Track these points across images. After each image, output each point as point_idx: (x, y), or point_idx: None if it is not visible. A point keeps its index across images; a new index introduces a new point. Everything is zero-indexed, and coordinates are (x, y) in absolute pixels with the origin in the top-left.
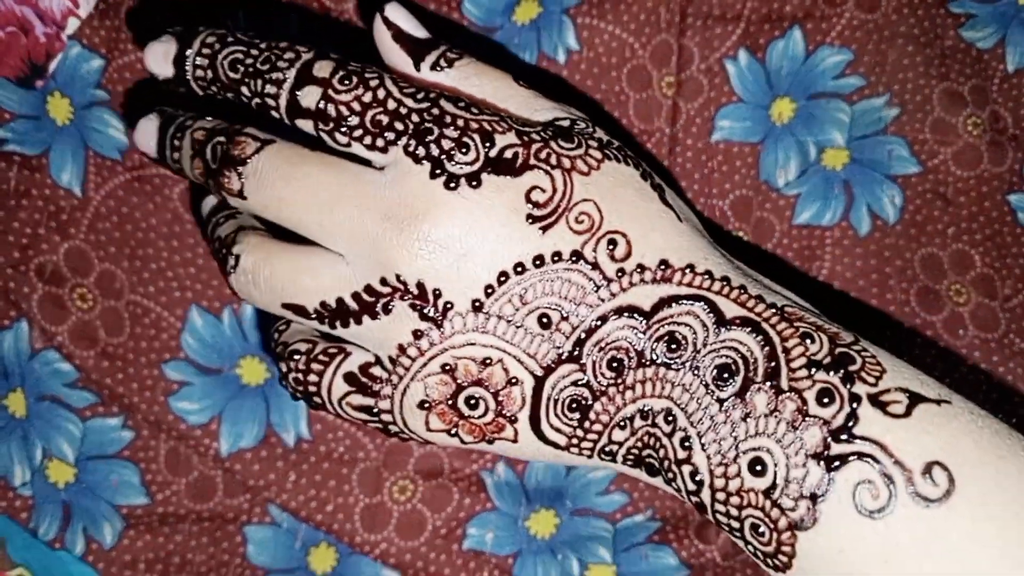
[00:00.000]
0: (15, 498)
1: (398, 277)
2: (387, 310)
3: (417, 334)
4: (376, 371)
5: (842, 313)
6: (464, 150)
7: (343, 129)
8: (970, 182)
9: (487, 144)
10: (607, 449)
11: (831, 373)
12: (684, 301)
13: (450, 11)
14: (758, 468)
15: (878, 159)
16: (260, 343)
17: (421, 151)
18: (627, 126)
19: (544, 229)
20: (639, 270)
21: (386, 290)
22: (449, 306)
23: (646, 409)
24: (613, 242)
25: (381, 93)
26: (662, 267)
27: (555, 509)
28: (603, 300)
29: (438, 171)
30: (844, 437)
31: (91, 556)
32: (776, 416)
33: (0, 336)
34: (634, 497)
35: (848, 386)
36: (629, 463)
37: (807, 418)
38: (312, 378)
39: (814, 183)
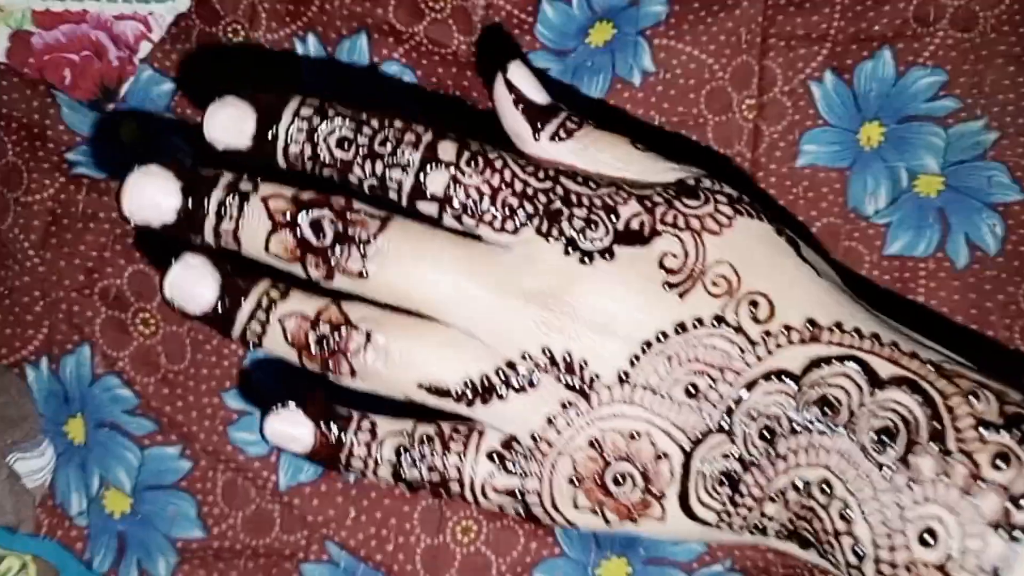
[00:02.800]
0: (71, 528)
1: (544, 351)
2: (533, 384)
3: (565, 405)
4: (518, 448)
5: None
6: (594, 227)
7: (471, 212)
8: None
9: (612, 217)
10: (759, 524)
11: (1004, 433)
12: (835, 362)
13: (522, 33)
14: (928, 538)
15: (976, 186)
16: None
17: (554, 231)
18: (706, 150)
19: (682, 295)
20: (785, 331)
21: (530, 364)
22: (596, 377)
23: (801, 480)
24: (755, 303)
25: (507, 174)
26: (809, 326)
27: (627, 557)
28: (750, 365)
29: (571, 249)
30: None
31: None
32: (945, 481)
33: (63, 361)
34: (711, 546)
35: None
36: (782, 537)
37: (982, 483)
38: (452, 460)
39: (906, 211)
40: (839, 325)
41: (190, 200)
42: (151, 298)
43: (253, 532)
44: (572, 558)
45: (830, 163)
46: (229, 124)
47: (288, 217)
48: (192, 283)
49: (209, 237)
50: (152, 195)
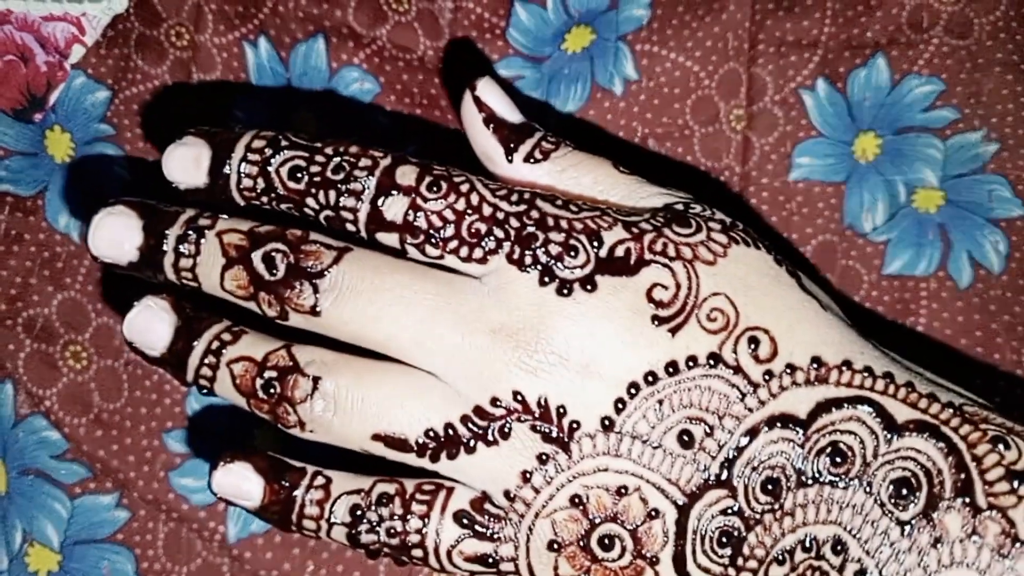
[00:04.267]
0: None
1: (516, 395)
2: (504, 434)
3: (542, 459)
4: (491, 508)
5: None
6: (573, 253)
7: (435, 241)
8: None
9: (595, 242)
10: None
11: None
12: (846, 405)
13: (494, 38)
14: None
15: (977, 200)
16: None
17: (527, 258)
18: (692, 163)
19: (673, 331)
20: (789, 371)
21: (500, 411)
22: (576, 426)
23: (810, 538)
24: (755, 340)
25: (474, 198)
26: (815, 366)
27: None
28: (751, 410)
29: (547, 278)
30: None
31: None
32: (976, 541)
33: None
34: None
35: None
36: None
37: (1018, 544)
38: (413, 524)
39: (905, 228)
40: (848, 364)
41: (151, 238)
42: (83, 329)
43: None
44: None
45: (825, 177)
46: (185, 164)
47: (242, 252)
48: (148, 325)
49: (171, 275)
50: (114, 234)
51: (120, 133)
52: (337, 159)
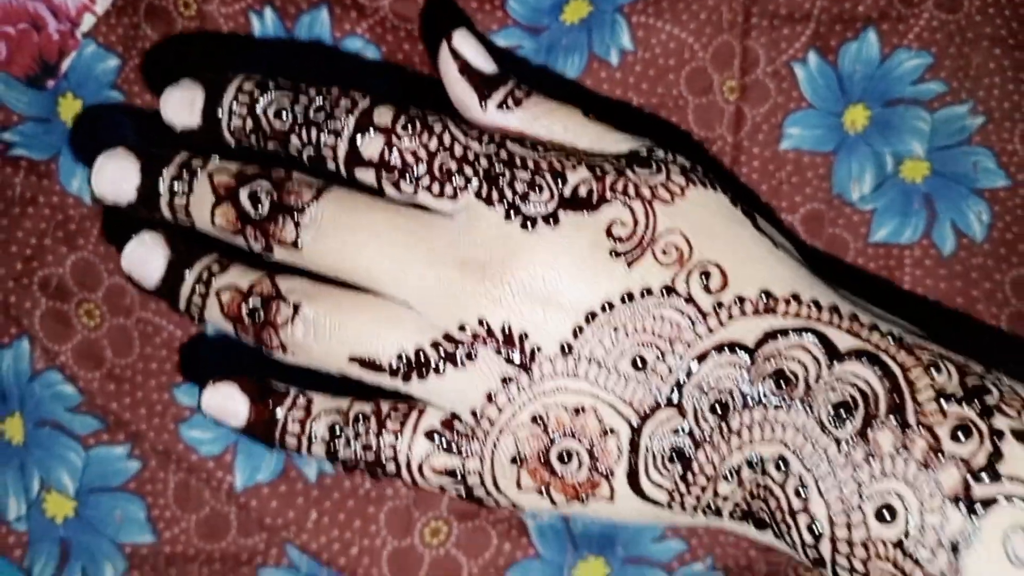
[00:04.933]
0: (8, 534)
1: (481, 322)
2: (471, 357)
3: (506, 380)
4: (459, 427)
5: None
6: (538, 190)
7: (408, 177)
8: None
9: (559, 182)
10: (712, 504)
11: (965, 406)
12: (792, 334)
13: (493, 9)
14: (887, 515)
15: (962, 172)
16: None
17: (494, 194)
18: (686, 133)
19: (630, 264)
20: (738, 302)
21: (468, 337)
22: (537, 350)
23: (755, 456)
24: (707, 273)
25: (447, 138)
26: (764, 297)
27: (605, 557)
28: (701, 337)
29: (513, 213)
30: (987, 477)
31: None
32: (905, 455)
33: None
34: (692, 544)
35: (987, 420)
36: (736, 518)
37: (942, 457)
38: (387, 439)
39: (892, 197)
40: (796, 296)
41: (147, 178)
42: (95, 288)
43: (207, 536)
44: (547, 559)
45: (815, 147)
46: (181, 105)
47: (230, 190)
48: (144, 258)
49: (166, 213)
50: (114, 175)
51: (130, 100)
52: (319, 100)
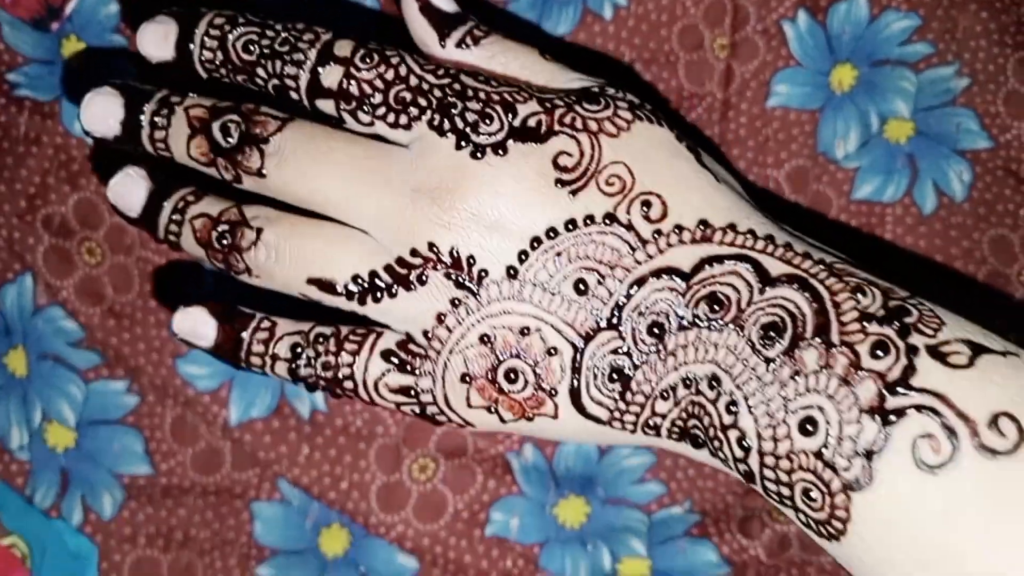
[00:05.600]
0: (11, 462)
1: (431, 247)
2: (422, 280)
3: (455, 303)
4: (413, 347)
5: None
6: (488, 121)
7: (365, 108)
8: None
9: (510, 114)
10: (651, 422)
11: (885, 325)
12: (727, 261)
13: None
14: (809, 427)
15: (946, 132)
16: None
17: (446, 124)
18: (677, 88)
19: (574, 192)
20: (677, 231)
21: (419, 261)
22: (484, 274)
23: (690, 376)
24: (647, 203)
25: (403, 70)
26: (701, 227)
27: (586, 497)
28: (640, 263)
29: (463, 142)
30: (901, 390)
31: (89, 527)
32: (827, 372)
33: (3, 290)
34: (671, 487)
35: (904, 338)
36: (674, 436)
37: (860, 372)
38: (344, 358)
39: (875, 156)
40: (732, 226)
41: (131, 113)
42: (97, 226)
43: (202, 469)
44: (530, 496)
45: (801, 104)
46: (155, 38)
47: (203, 123)
48: (127, 190)
49: (147, 145)
50: (100, 110)
51: (132, 43)
52: (284, 34)
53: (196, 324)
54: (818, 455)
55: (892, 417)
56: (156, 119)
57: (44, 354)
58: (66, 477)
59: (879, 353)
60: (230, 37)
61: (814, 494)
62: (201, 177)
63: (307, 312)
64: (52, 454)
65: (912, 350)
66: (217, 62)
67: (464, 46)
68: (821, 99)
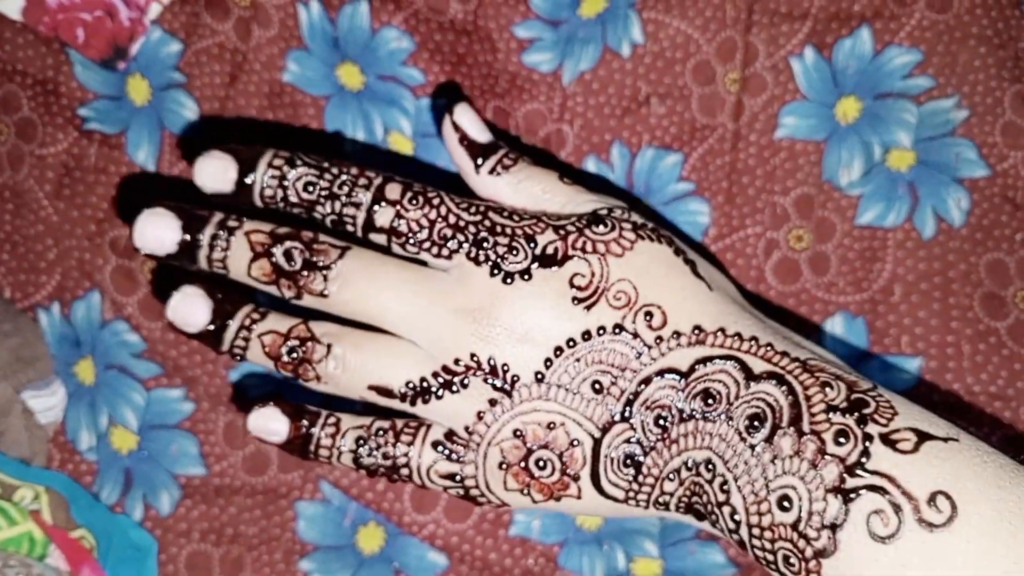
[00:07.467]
0: (81, 462)
1: (472, 356)
2: (464, 385)
3: (492, 403)
4: (457, 439)
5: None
6: (515, 252)
7: (412, 241)
8: None
9: (531, 244)
10: (660, 500)
11: (847, 416)
12: (717, 360)
13: (517, 3)
14: (785, 504)
15: (945, 161)
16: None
17: (481, 256)
18: (690, 120)
19: (588, 308)
20: (675, 336)
21: (461, 368)
22: (516, 378)
23: (690, 460)
24: (650, 314)
25: (443, 210)
26: (696, 332)
27: None
28: (645, 364)
29: (495, 271)
30: (858, 472)
31: (149, 522)
32: (800, 456)
33: (74, 305)
34: None
35: (862, 427)
36: (681, 510)
37: (826, 456)
38: (402, 449)
39: (878, 183)
40: (723, 330)
41: (188, 235)
42: None
43: (251, 471)
44: None
45: (807, 136)
46: (215, 174)
47: (265, 248)
48: (189, 309)
49: (203, 264)
50: (156, 232)
51: (191, 81)
52: (343, 177)
53: (269, 423)
54: (794, 527)
55: (851, 495)
56: (216, 243)
57: (110, 364)
58: (129, 476)
59: (841, 440)
60: (289, 177)
61: (792, 560)
62: (243, 286)
63: (339, 399)
64: (117, 456)
65: (867, 437)
66: (277, 198)
67: (495, 173)
68: (826, 130)
